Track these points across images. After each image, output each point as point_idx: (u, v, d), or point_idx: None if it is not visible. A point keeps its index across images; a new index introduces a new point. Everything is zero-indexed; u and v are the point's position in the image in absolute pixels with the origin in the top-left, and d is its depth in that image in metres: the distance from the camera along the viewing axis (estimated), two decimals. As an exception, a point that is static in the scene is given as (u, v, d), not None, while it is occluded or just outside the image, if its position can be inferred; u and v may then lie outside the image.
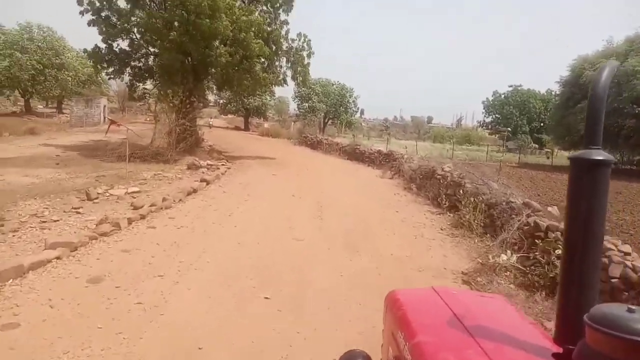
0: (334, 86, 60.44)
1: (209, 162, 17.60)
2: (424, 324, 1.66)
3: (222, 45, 18.47)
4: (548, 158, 40.90)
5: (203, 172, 15.42)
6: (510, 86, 53.13)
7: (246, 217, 9.95)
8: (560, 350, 1.29)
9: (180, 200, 10.93)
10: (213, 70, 19.62)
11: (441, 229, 9.97)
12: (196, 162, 16.71)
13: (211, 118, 42.12)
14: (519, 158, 36.68)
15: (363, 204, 12.46)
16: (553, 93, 52.15)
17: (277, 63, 21.14)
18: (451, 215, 10.99)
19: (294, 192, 13.31)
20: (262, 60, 19.88)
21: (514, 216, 8.34)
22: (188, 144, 18.57)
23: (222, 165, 17.83)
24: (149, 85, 23.24)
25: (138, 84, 22.09)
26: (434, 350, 1.45)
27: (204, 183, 13.24)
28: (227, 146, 27.55)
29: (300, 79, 21.27)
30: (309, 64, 21.60)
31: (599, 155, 1.25)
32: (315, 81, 59.63)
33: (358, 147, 24.35)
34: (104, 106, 43.27)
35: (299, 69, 21.19)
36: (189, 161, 16.86)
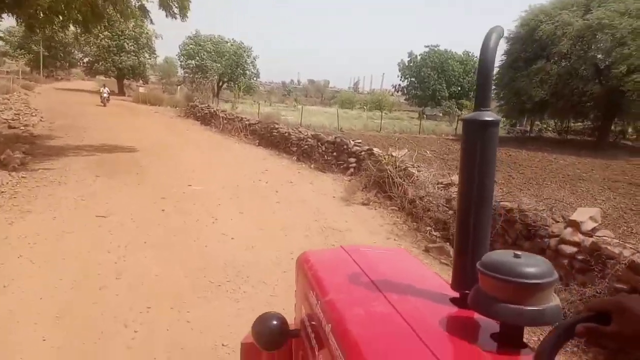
0: (229, 44, 49.22)
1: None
2: (335, 282, 1.63)
3: None
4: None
5: None
6: (427, 46, 46.04)
7: None
8: (457, 295, 1.34)
9: None
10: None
11: None
12: None
13: (104, 86, 29.99)
14: (456, 128, 29.58)
15: None
16: (471, 55, 46.08)
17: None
18: None
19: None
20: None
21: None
22: None
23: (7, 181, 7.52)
24: None
25: None
26: (345, 305, 1.43)
27: None
28: (63, 122, 16.52)
29: (176, 5, 10.99)
30: None
31: (489, 116, 1.24)
32: (205, 38, 48.20)
33: (276, 126, 14.75)
34: None
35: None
36: None
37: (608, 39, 21.98)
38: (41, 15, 10.23)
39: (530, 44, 25.57)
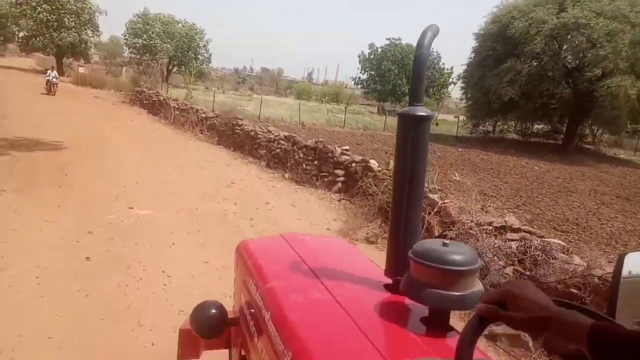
0: (180, 25, 45.55)
1: None
2: (274, 270, 1.63)
3: None
4: (437, 125, 33.32)
5: None
6: (388, 39, 44.12)
7: None
8: (391, 281, 1.37)
9: None
10: None
11: None
12: None
13: (53, 69, 24.07)
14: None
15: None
16: (431, 50, 44.81)
17: None
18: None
19: None
20: None
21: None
22: None
23: None
24: None
25: None
26: (284, 293, 1.44)
27: None
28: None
29: None
30: None
31: (422, 111, 1.28)
32: (155, 17, 44.31)
33: (239, 123, 12.35)
34: None
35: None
36: None
37: (583, 40, 20.99)
38: None
39: (502, 41, 24.26)
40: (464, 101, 30.07)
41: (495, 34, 24.57)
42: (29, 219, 5.30)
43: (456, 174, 8.51)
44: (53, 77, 22.14)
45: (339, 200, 7.50)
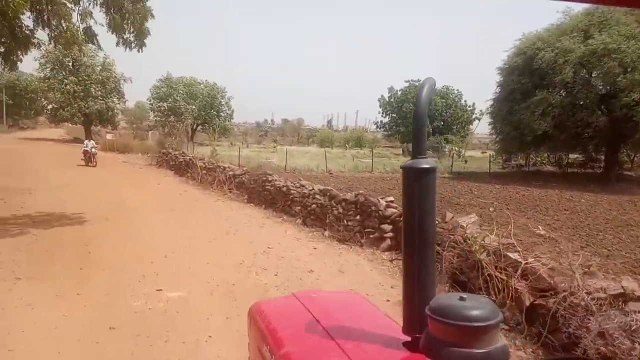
0: (202, 86, 46.51)
1: None
2: (287, 333, 1.58)
3: None
4: (466, 162, 32.19)
5: None
6: (407, 81, 43.86)
7: None
8: (410, 339, 1.31)
9: None
10: None
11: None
12: None
13: (90, 139, 22.87)
14: (452, 166, 27.02)
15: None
16: (450, 88, 44.42)
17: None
18: None
19: None
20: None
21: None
22: None
23: None
24: None
25: None
26: (299, 359, 1.41)
27: None
28: (4, 182, 13.04)
29: (129, 24, 7.76)
30: (149, 11, 8.27)
31: (426, 163, 1.28)
32: (177, 80, 45.44)
33: (269, 179, 11.70)
34: None
35: (130, 12, 7.88)
36: None
37: (615, 65, 20.04)
38: None
39: (528, 74, 23.49)
40: (493, 136, 29.03)
41: (521, 66, 23.85)
42: (43, 314, 4.53)
43: (540, 227, 7.43)
44: (91, 147, 20.49)
45: (391, 261, 6.55)
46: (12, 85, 54.81)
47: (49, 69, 36.84)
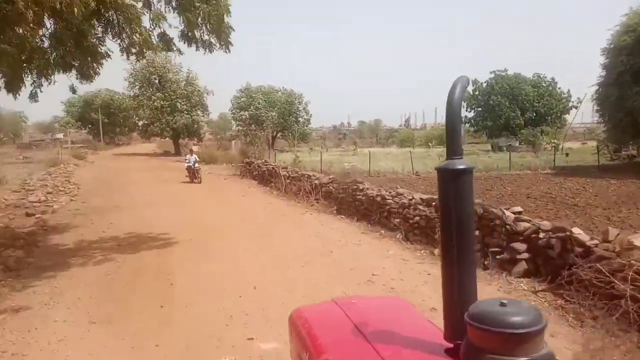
0: (280, 93, 46.63)
1: None
2: (326, 341, 1.54)
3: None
4: (567, 155, 28.82)
5: None
6: (492, 72, 40.80)
7: None
8: (452, 345, 1.26)
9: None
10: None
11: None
12: None
13: (191, 152, 19.75)
14: (554, 160, 24.20)
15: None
16: (542, 76, 40.60)
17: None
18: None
19: None
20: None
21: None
22: None
23: None
24: None
25: None
26: None
27: None
28: (98, 201, 13.06)
29: (209, 28, 7.00)
30: (228, 6, 7.46)
31: (462, 164, 1.23)
32: (255, 89, 45.91)
33: (360, 187, 10.54)
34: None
35: (205, 10, 7.14)
36: None
37: None
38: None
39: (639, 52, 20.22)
40: (599, 124, 25.62)
41: (630, 45, 20.53)
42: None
43: None
44: (194, 162, 18.53)
45: (535, 293, 5.04)
46: (107, 105, 58.72)
47: (137, 86, 38.64)
